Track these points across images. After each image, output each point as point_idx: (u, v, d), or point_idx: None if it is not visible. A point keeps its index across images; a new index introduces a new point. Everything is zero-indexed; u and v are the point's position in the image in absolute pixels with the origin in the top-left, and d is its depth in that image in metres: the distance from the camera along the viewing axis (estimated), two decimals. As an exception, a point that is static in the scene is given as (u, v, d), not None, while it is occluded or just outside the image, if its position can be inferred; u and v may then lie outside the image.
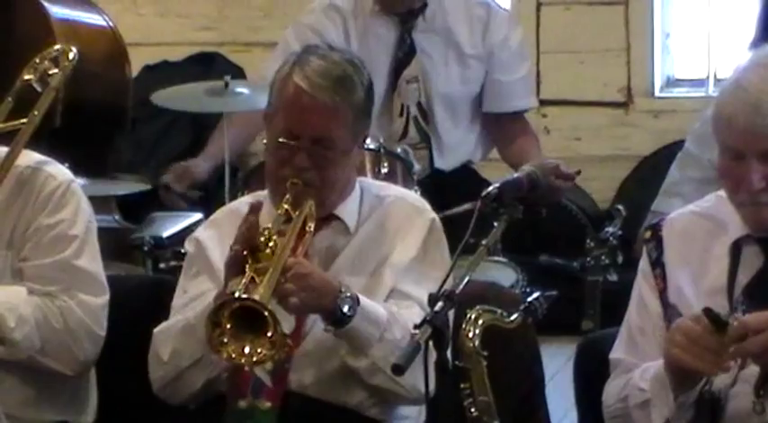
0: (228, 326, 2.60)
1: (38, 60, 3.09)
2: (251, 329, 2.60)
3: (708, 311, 2.45)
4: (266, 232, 2.72)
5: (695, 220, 2.72)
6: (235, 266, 2.71)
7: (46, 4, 4.77)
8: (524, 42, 4.37)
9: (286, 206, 2.80)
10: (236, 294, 2.60)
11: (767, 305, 2.57)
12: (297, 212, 2.79)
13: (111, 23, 4.93)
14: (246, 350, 2.61)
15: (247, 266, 2.68)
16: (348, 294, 2.71)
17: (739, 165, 2.57)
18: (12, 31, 4.62)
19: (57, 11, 4.77)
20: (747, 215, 2.61)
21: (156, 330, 2.87)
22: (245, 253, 2.70)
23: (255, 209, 2.78)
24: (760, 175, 2.55)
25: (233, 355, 2.61)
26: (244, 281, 2.64)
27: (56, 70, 3.08)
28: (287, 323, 2.71)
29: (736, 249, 2.64)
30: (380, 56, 4.14)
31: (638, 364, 2.65)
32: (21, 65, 3.13)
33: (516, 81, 4.26)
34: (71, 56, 3.08)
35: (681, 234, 2.71)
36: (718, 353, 2.45)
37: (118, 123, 4.89)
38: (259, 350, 2.60)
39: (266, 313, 2.58)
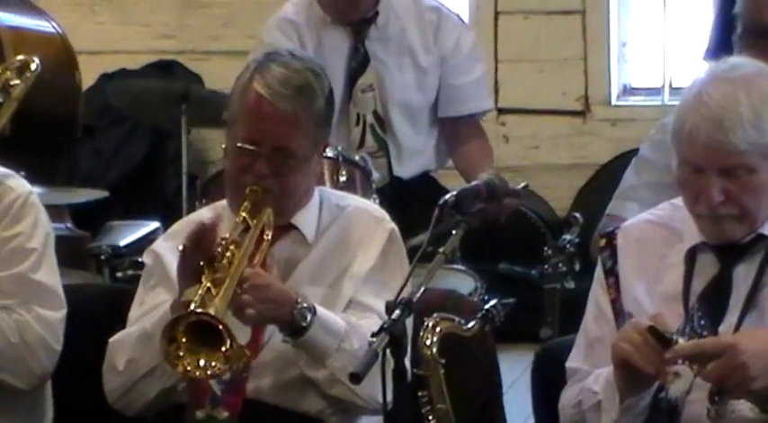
0: (184, 340, 2.59)
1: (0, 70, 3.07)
2: (207, 342, 2.60)
3: (652, 329, 2.46)
4: (223, 242, 2.72)
5: (650, 229, 2.73)
6: (191, 275, 2.70)
7: (-8, 11, 4.75)
8: (477, 45, 4.36)
9: (244, 214, 2.79)
10: (192, 308, 2.59)
11: (721, 312, 2.60)
12: (255, 221, 2.78)
13: (59, 30, 4.91)
14: (202, 363, 2.60)
15: (204, 277, 2.67)
16: (305, 305, 2.71)
17: (699, 178, 2.58)
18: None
19: (3, 18, 4.74)
20: (705, 227, 2.63)
21: (111, 340, 2.86)
22: (201, 264, 2.69)
23: (209, 230, 2.74)
24: (719, 190, 2.56)
25: (188, 369, 2.60)
26: (200, 292, 2.63)
27: (17, 81, 3.05)
28: (243, 333, 2.71)
29: (692, 257, 2.66)
30: (335, 66, 4.14)
31: (594, 372, 2.66)
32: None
33: (470, 84, 4.24)
34: (33, 67, 3.06)
35: (636, 243, 2.72)
36: (664, 362, 2.46)
37: (67, 131, 4.86)
38: (214, 363, 2.60)
39: (221, 328, 2.57)
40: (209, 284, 2.64)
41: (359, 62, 4.17)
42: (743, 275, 2.62)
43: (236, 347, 2.58)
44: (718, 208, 2.58)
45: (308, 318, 2.70)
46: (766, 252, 2.62)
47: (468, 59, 4.24)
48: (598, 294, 2.73)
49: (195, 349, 2.60)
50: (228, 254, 2.70)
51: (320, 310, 2.74)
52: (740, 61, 2.64)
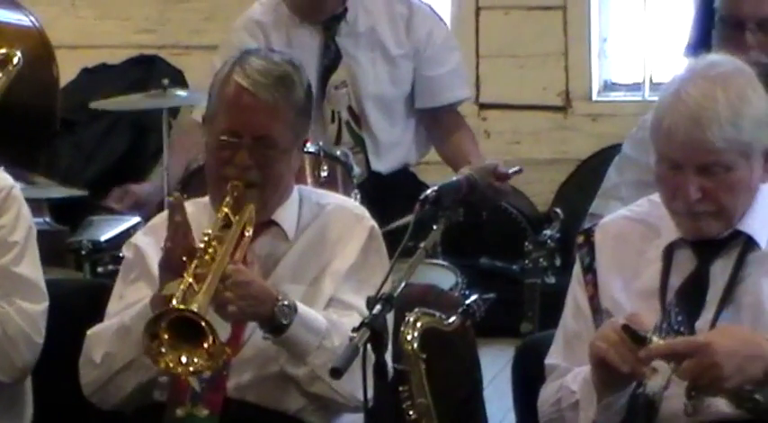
0: (166, 336, 2.59)
1: (-19, 64, 3.06)
2: (188, 339, 2.60)
3: (626, 328, 2.47)
4: (206, 238, 2.72)
5: (628, 225, 2.74)
6: (173, 269, 2.70)
7: (-33, 5, 4.72)
8: (450, 35, 4.34)
9: (226, 210, 2.80)
10: (174, 304, 2.59)
11: (698, 308, 2.61)
12: (237, 217, 2.78)
13: (37, 24, 4.88)
14: (184, 360, 2.60)
15: (186, 272, 2.67)
16: (286, 302, 2.71)
17: (676, 174, 2.59)
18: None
19: (-21, 11, 4.72)
20: (682, 223, 2.64)
21: (89, 332, 2.86)
22: (183, 259, 2.69)
23: (177, 207, 2.75)
24: (697, 187, 2.57)
25: (170, 365, 2.61)
26: (182, 287, 2.63)
27: (-1, 74, 3.05)
28: (224, 330, 2.71)
29: (669, 253, 2.67)
30: (307, 64, 4.10)
31: (572, 369, 2.67)
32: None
33: (446, 74, 4.23)
34: (15, 61, 3.05)
35: (614, 239, 2.73)
36: (639, 361, 2.47)
37: (45, 125, 4.84)
38: (196, 360, 2.60)
39: (204, 324, 2.57)
40: (191, 280, 2.64)
41: (330, 59, 4.16)
42: (720, 271, 2.63)
43: (218, 344, 2.58)
44: (695, 205, 2.59)
45: (289, 315, 2.70)
46: (743, 248, 2.63)
47: (442, 50, 4.23)
48: (576, 291, 2.74)
49: (177, 346, 2.60)
50: (211, 249, 2.70)
51: (301, 307, 2.74)
52: (719, 59, 2.65)
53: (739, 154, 2.57)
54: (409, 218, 3.47)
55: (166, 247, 2.72)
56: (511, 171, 3.65)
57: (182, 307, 2.58)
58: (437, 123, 4.25)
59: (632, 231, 2.72)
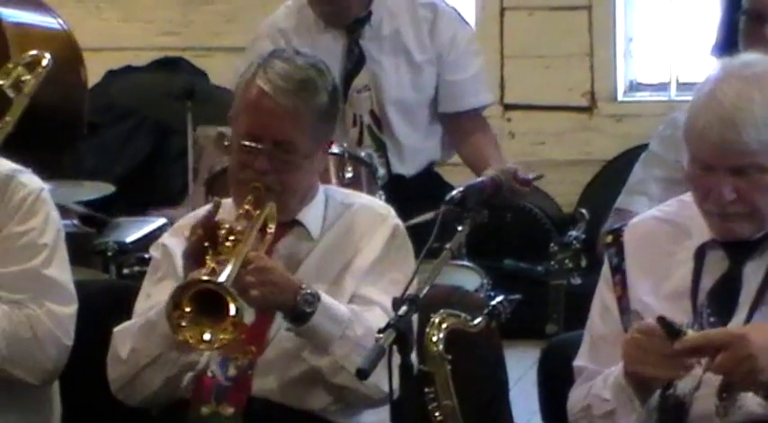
0: (188, 309, 2.60)
1: (11, 65, 3.07)
2: (211, 316, 2.61)
3: (662, 320, 2.46)
4: (227, 227, 2.73)
5: (657, 226, 2.72)
6: (195, 258, 2.72)
7: (-3, 7, 4.74)
8: (473, 39, 4.33)
9: (247, 207, 2.81)
10: (200, 277, 2.61)
11: (731, 309, 2.59)
12: (257, 212, 2.79)
13: (65, 26, 4.90)
14: (207, 337, 2.62)
15: (208, 258, 2.69)
16: (309, 291, 2.72)
17: (709, 175, 2.57)
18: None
19: (8, 14, 4.73)
20: (715, 224, 2.62)
21: (116, 329, 2.87)
22: (205, 245, 2.70)
23: (216, 206, 2.78)
24: (730, 188, 2.55)
25: (189, 341, 2.62)
26: (204, 271, 2.65)
27: (29, 76, 3.05)
28: (247, 316, 2.71)
29: (701, 254, 2.65)
30: (331, 68, 4.12)
31: (600, 371, 2.65)
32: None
33: (468, 79, 4.22)
34: (44, 62, 3.07)
35: (643, 240, 2.71)
36: (674, 358, 2.46)
37: (73, 127, 4.86)
38: (221, 336, 2.61)
39: (228, 298, 2.58)
40: (213, 265, 2.66)
41: (353, 63, 4.16)
42: (753, 273, 2.60)
43: (241, 317, 2.59)
44: (727, 206, 2.56)
45: (313, 304, 2.70)
46: None
47: (466, 55, 4.21)
48: (604, 292, 2.73)
49: (199, 321, 2.61)
50: (232, 238, 2.72)
51: (324, 296, 2.74)
52: (754, 58, 2.62)
53: None
54: (429, 215, 3.48)
55: (191, 235, 2.73)
56: (531, 177, 3.64)
57: (206, 278, 2.60)
58: (459, 127, 4.24)
59: (662, 232, 2.70)
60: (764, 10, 3.54)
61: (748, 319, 2.57)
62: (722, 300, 2.61)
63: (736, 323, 2.58)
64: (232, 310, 2.59)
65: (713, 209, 2.58)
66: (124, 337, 2.84)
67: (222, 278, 2.60)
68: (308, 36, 4.14)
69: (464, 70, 4.19)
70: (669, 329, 2.45)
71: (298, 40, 4.12)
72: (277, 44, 4.10)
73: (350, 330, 2.73)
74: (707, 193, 2.58)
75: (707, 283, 2.63)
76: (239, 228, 2.74)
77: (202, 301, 2.61)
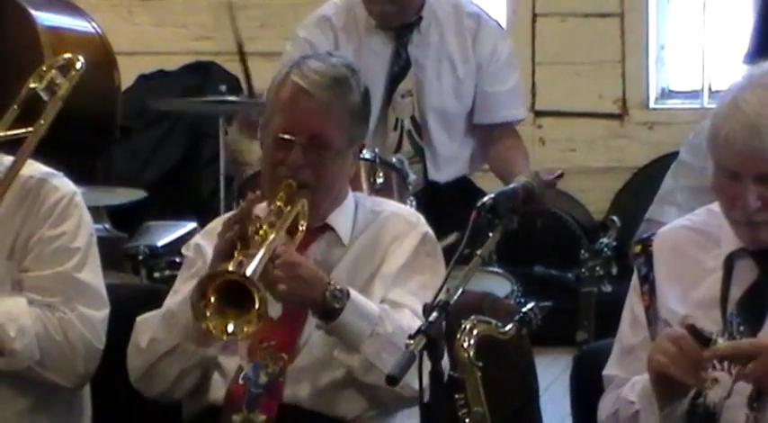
0: (213, 299, 2.61)
1: (45, 69, 3.08)
2: (235, 307, 2.62)
3: (691, 328, 2.45)
4: (257, 222, 2.74)
5: (686, 235, 2.71)
6: (224, 251, 2.73)
7: (32, 12, 4.76)
8: (513, 53, 4.36)
9: (279, 203, 2.81)
10: (227, 268, 2.62)
11: (761, 318, 2.58)
12: (289, 208, 2.80)
13: (99, 30, 4.92)
14: (230, 328, 2.63)
15: (236, 251, 2.70)
16: (338, 287, 2.72)
17: (735, 184, 2.56)
18: (-1, 40, 4.63)
19: (43, 18, 4.76)
20: (742, 233, 2.61)
21: (138, 319, 2.89)
22: (236, 243, 2.71)
23: (254, 201, 2.80)
24: (756, 196, 2.54)
25: (212, 331, 2.63)
26: (232, 263, 2.66)
27: (62, 79, 3.07)
28: (273, 310, 2.71)
29: (730, 262, 2.64)
30: (376, 70, 4.15)
31: (629, 380, 2.64)
32: (8, 72, 3.10)
33: (505, 92, 4.24)
34: (78, 65, 3.07)
35: (672, 249, 2.70)
36: (701, 366, 2.45)
37: (106, 131, 4.88)
38: (245, 328, 2.62)
39: (253, 289, 2.59)
40: (242, 258, 2.67)
41: (400, 67, 4.18)
42: None
43: (265, 309, 2.59)
44: (754, 214, 2.56)
45: (342, 300, 2.70)
46: None
47: (505, 68, 4.24)
48: (633, 301, 2.72)
49: (224, 312, 2.62)
50: (262, 232, 2.72)
51: (353, 293, 2.74)
52: None
53: None
54: (452, 238, 3.47)
55: (223, 229, 2.75)
56: (553, 176, 3.63)
57: (232, 269, 2.60)
58: (491, 139, 4.26)
59: (691, 241, 2.69)
60: None
61: None
62: (752, 308, 2.59)
63: (765, 332, 2.56)
64: (257, 302, 2.59)
65: (740, 217, 2.57)
66: (146, 327, 2.86)
67: (249, 271, 2.61)
68: (356, 36, 4.16)
69: (502, 83, 4.22)
70: (699, 337, 2.44)
71: (345, 38, 4.15)
72: (325, 34, 4.13)
73: (380, 327, 2.72)
74: (733, 201, 2.57)
75: (736, 291, 2.62)
76: (270, 220, 2.74)
77: (228, 293, 2.62)
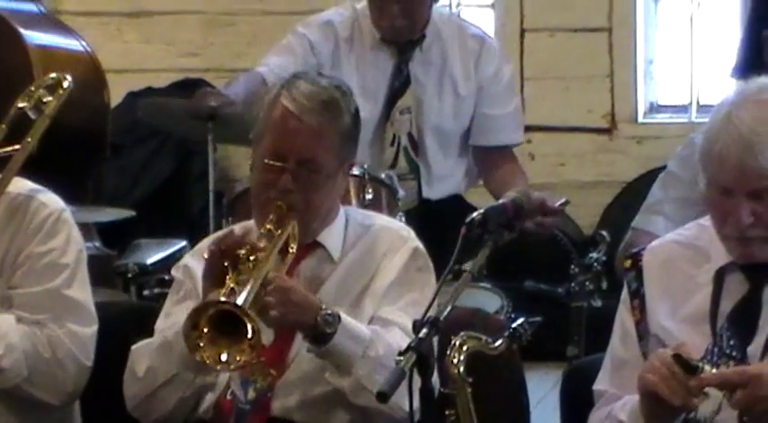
0: (206, 329, 2.61)
1: (33, 88, 3.09)
2: (229, 336, 2.61)
3: (677, 357, 2.45)
4: (248, 246, 2.73)
5: (677, 250, 2.72)
6: (214, 278, 2.73)
7: (21, 31, 4.77)
8: (514, 78, 4.39)
9: (269, 226, 2.81)
10: (218, 298, 2.61)
11: (751, 332, 2.58)
12: (279, 231, 2.80)
13: (88, 49, 4.93)
14: (224, 358, 2.62)
15: (228, 278, 2.69)
16: (329, 312, 2.72)
17: (727, 200, 2.56)
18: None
19: (33, 37, 4.76)
20: (733, 248, 2.61)
21: (133, 347, 2.88)
22: (225, 264, 2.70)
23: (243, 234, 2.79)
24: (748, 212, 2.54)
25: (207, 361, 2.62)
26: (224, 291, 2.66)
27: (50, 98, 3.08)
28: (265, 337, 2.71)
29: (720, 277, 2.64)
30: (376, 84, 4.16)
31: (620, 396, 2.64)
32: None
33: (504, 116, 4.26)
34: (65, 85, 3.09)
35: (662, 263, 2.70)
36: (690, 391, 2.45)
37: (96, 149, 4.88)
38: (237, 358, 2.61)
39: (245, 319, 2.58)
40: (233, 285, 2.67)
41: (401, 83, 4.19)
42: None
43: (258, 339, 2.59)
44: (746, 230, 2.56)
45: (333, 324, 2.70)
46: None
47: (506, 91, 4.27)
48: (624, 316, 2.72)
49: (217, 341, 2.61)
50: (253, 258, 2.72)
51: (344, 317, 2.74)
52: None
53: None
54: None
55: (210, 253, 2.74)
56: (558, 204, 3.64)
57: (224, 299, 2.60)
58: (489, 161, 4.28)
59: (681, 256, 2.70)
60: None
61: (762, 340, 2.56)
62: (742, 323, 2.60)
63: (755, 347, 2.57)
64: (249, 332, 2.59)
65: (732, 233, 2.58)
66: (141, 355, 2.85)
67: (240, 300, 2.61)
68: (358, 49, 4.18)
69: (502, 106, 4.24)
70: (686, 366, 2.44)
71: (347, 49, 4.16)
72: (327, 39, 4.15)
73: (371, 350, 2.73)
74: (725, 217, 2.57)
75: (726, 306, 2.62)
76: (261, 246, 2.74)
77: (220, 322, 2.62)
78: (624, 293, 2.73)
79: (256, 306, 2.65)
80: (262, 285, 2.67)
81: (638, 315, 2.68)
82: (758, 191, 2.54)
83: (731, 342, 2.58)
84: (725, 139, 2.54)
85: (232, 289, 2.66)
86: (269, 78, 4.09)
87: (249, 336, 2.59)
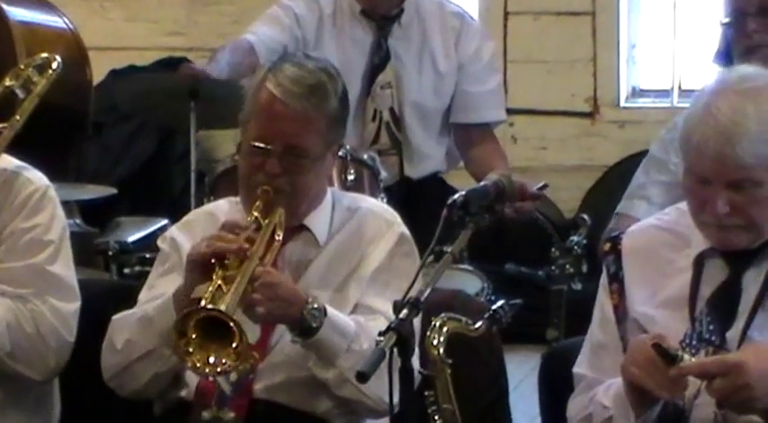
0: (194, 335, 2.60)
1: (22, 67, 3.09)
2: (216, 339, 2.61)
3: (657, 347, 2.46)
4: (234, 239, 2.72)
5: (656, 234, 2.72)
6: (201, 271, 2.71)
7: (4, 7, 4.75)
8: (496, 56, 4.38)
9: (256, 214, 2.80)
10: (203, 304, 2.60)
11: (730, 317, 2.59)
12: (266, 221, 2.79)
13: (71, 26, 4.91)
14: (211, 360, 2.61)
15: (214, 274, 2.68)
16: (315, 305, 2.72)
17: (705, 188, 2.57)
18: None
19: (15, 13, 4.74)
20: (711, 235, 2.62)
21: (114, 318, 2.88)
22: (212, 261, 2.69)
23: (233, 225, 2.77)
24: (725, 201, 2.55)
25: (198, 365, 2.62)
26: (211, 289, 2.64)
27: (39, 77, 3.08)
28: (252, 332, 2.71)
29: (700, 262, 2.65)
30: (356, 59, 4.16)
31: (600, 380, 2.65)
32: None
33: (485, 93, 4.26)
34: (54, 65, 3.09)
35: (641, 249, 2.71)
36: (677, 384, 2.47)
37: (78, 127, 4.87)
38: (224, 361, 2.61)
39: (232, 324, 2.57)
40: (219, 282, 2.65)
41: (380, 58, 4.20)
42: (752, 280, 2.61)
43: (246, 344, 2.59)
44: (723, 218, 2.56)
45: (319, 318, 2.70)
46: None
47: (486, 69, 4.26)
48: (602, 300, 2.73)
49: (205, 345, 2.61)
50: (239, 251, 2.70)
51: (330, 310, 2.74)
52: (750, 72, 2.62)
53: None
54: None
55: (200, 248, 2.72)
56: (537, 188, 3.64)
57: (210, 306, 2.59)
58: (468, 139, 4.27)
59: (661, 240, 2.70)
60: (743, 6, 3.56)
61: (746, 327, 2.57)
62: (721, 308, 2.60)
63: (734, 332, 2.58)
64: (236, 339, 2.57)
65: (709, 220, 2.58)
66: (121, 327, 2.85)
67: (223, 306, 2.58)
68: (341, 24, 4.17)
69: (482, 83, 4.23)
70: (665, 355, 2.45)
71: (330, 24, 4.16)
72: (312, 12, 4.15)
73: (355, 343, 2.73)
74: (702, 205, 2.58)
75: (706, 291, 2.63)
76: (247, 237, 2.71)
77: (208, 325, 2.60)
78: (603, 277, 2.74)
79: (243, 303, 2.64)
80: (249, 281, 2.66)
81: (616, 299, 2.69)
82: (736, 181, 2.54)
83: (711, 327, 2.59)
84: (703, 129, 2.54)
85: (219, 286, 2.64)
86: (258, 47, 4.09)
87: (234, 345, 2.57)
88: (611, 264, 2.72)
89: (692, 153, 2.56)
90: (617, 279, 2.70)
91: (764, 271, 2.60)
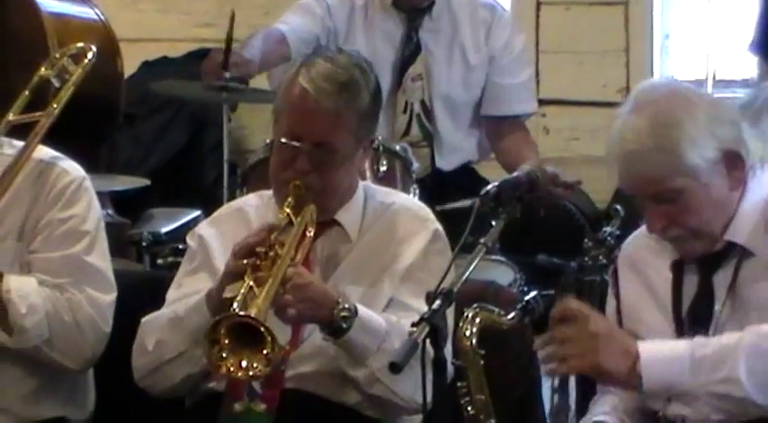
0: (227, 341, 2.59)
1: (57, 56, 3.11)
2: (248, 342, 2.60)
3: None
4: (267, 241, 2.71)
5: (641, 242, 2.76)
6: (234, 273, 2.71)
7: (37, -1, 4.77)
8: (527, 48, 4.37)
9: (287, 210, 2.80)
10: (234, 309, 2.59)
11: (707, 319, 2.61)
12: (298, 218, 2.78)
13: (102, 17, 4.93)
14: (244, 364, 2.61)
15: (246, 275, 2.67)
16: (346, 306, 2.71)
17: (643, 204, 2.61)
18: (3, 25, 4.62)
19: (47, 4, 4.76)
20: (673, 247, 2.65)
21: (144, 319, 2.88)
22: (245, 262, 2.69)
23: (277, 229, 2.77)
24: (658, 216, 2.58)
25: (231, 370, 2.61)
26: (242, 290, 2.64)
27: (75, 66, 3.09)
28: (283, 333, 2.71)
29: (679, 268, 2.67)
30: (386, 51, 4.17)
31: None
32: (12, 58, 3.12)
33: (516, 85, 4.25)
34: (90, 55, 3.11)
35: (630, 262, 2.75)
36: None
37: (109, 118, 4.88)
38: (255, 364, 2.60)
39: (263, 329, 2.57)
40: (251, 283, 2.64)
41: (411, 51, 4.20)
42: (723, 281, 2.63)
43: (278, 349, 2.59)
44: (664, 232, 2.59)
45: (349, 319, 2.70)
46: (740, 257, 2.61)
47: (517, 61, 4.26)
48: (609, 313, 2.77)
49: (238, 350, 2.60)
50: (272, 253, 2.69)
51: (361, 310, 2.74)
52: (657, 83, 2.68)
53: (683, 176, 2.55)
54: (466, 202, 3.47)
55: (238, 248, 2.72)
56: (571, 181, 3.64)
57: (242, 313, 2.58)
58: (499, 131, 4.27)
59: (645, 248, 2.73)
60: None
61: (718, 327, 2.58)
62: (700, 311, 2.63)
63: (712, 331, 2.60)
64: (267, 346, 2.57)
65: (657, 234, 2.62)
66: (152, 328, 2.85)
67: (254, 311, 2.57)
68: (372, 15, 4.17)
69: (513, 76, 4.23)
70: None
71: (361, 17, 4.16)
72: (342, 3, 4.15)
73: (387, 343, 2.73)
74: (646, 220, 2.62)
75: (687, 294, 2.64)
76: (280, 238, 2.70)
77: (240, 329, 2.59)
78: (610, 293, 2.78)
79: (274, 305, 2.63)
80: (280, 283, 2.65)
81: (617, 317, 2.73)
82: (657, 195, 2.57)
83: (694, 329, 2.60)
84: (616, 150, 2.59)
85: (251, 287, 2.63)
86: (289, 37, 4.11)
87: (266, 351, 2.57)
88: (614, 284, 2.76)
89: (616, 173, 2.60)
90: (615, 297, 2.74)
91: (731, 271, 2.60)
